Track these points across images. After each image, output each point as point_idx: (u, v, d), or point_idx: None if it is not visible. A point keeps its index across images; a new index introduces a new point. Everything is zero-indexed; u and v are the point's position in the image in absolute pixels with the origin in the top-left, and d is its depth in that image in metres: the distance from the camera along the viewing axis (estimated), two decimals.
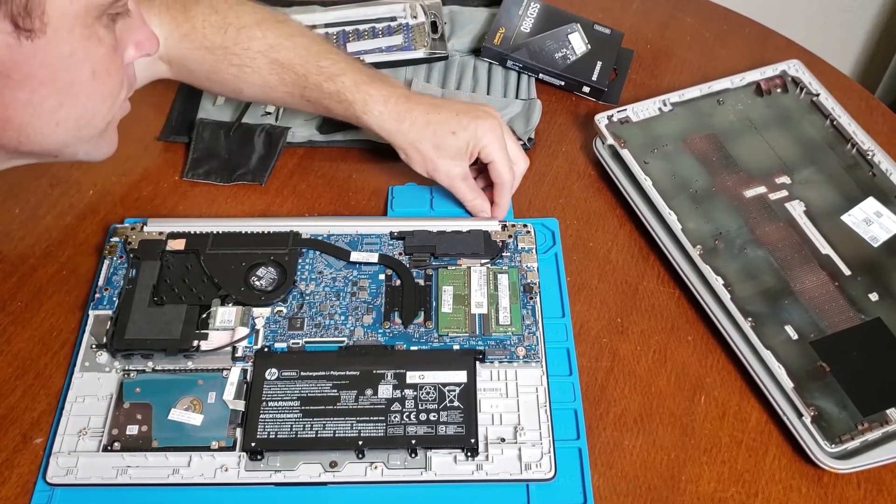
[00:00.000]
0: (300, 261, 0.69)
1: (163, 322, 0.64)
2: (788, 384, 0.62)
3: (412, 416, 0.60)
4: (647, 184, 0.73)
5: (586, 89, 0.84)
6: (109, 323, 0.64)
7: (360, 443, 0.58)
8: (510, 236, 0.71)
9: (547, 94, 0.84)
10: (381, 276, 0.68)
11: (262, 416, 0.59)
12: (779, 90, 0.81)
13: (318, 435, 0.59)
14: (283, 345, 0.64)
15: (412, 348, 0.64)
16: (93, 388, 0.62)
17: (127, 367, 0.63)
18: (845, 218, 0.72)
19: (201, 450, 0.59)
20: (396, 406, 0.60)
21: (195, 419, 0.60)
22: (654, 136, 0.77)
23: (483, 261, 0.69)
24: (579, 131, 0.82)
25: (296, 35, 0.70)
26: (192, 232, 0.70)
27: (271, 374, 0.62)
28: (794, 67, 0.82)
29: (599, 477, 0.60)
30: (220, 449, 0.59)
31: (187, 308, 0.65)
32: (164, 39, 0.67)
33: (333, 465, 0.58)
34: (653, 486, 0.60)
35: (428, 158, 0.69)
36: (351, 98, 0.68)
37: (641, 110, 0.78)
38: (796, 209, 0.72)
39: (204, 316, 0.65)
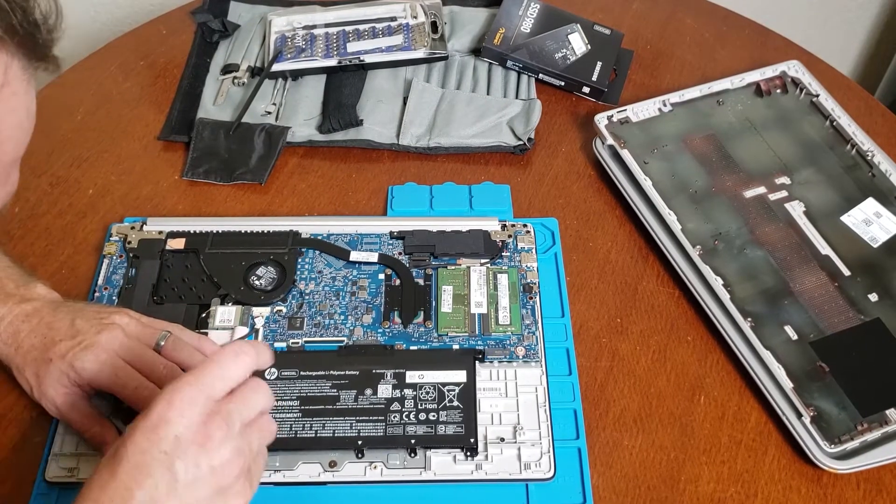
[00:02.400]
0: (300, 260, 0.69)
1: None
2: (788, 384, 0.62)
3: (412, 416, 0.60)
4: (646, 184, 0.73)
5: (586, 89, 0.84)
6: None
7: (360, 442, 0.58)
8: (510, 236, 0.71)
9: (547, 95, 0.84)
10: (381, 276, 0.68)
11: None
12: (778, 91, 0.81)
13: (318, 434, 0.59)
14: (283, 344, 0.64)
15: (412, 348, 0.64)
16: None
17: None
18: (845, 218, 0.72)
19: None
20: (396, 406, 0.60)
21: None
22: (654, 136, 0.77)
23: (483, 260, 0.69)
24: (579, 131, 0.82)
25: None
26: (192, 231, 0.70)
27: (271, 373, 0.61)
28: (794, 68, 0.82)
29: (599, 477, 0.60)
30: None
31: (187, 307, 0.65)
32: None
33: (333, 464, 0.58)
34: (652, 486, 0.60)
35: (34, 386, 0.59)
36: None
37: (641, 111, 0.78)
38: (796, 210, 0.72)
39: (203, 315, 0.65)
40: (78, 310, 0.60)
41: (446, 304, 0.66)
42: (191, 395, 0.45)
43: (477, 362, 0.63)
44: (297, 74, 0.84)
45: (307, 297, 0.67)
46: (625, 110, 0.78)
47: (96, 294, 0.66)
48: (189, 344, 0.59)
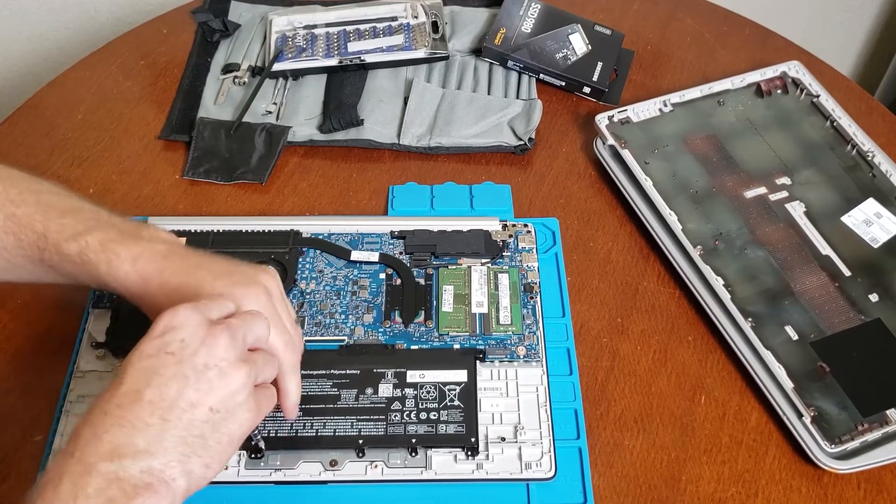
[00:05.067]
0: (301, 260, 0.69)
1: None
2: (788, 384, 0.62)
3: (412, 416, 0.60)
4: (647, 184, 0.73)
5: (587, 90, 0.84)
6: (109, 321, 0.64)
7: (361, 442, 0.58)
8: (511, 236, 0.71)
9: (547, 95, 0.84)
10: (382, 276, 0.68)
11: None
12: (779, 91, 0.81)
13: (319, 434, 0.59)
14: None
15: (413, 347, 0.64)
16: (93, 387, 0.62)
17: None
18: (845, 219, 0.72)
19: None
20: (397, 405, 0.60)
21: None
22: (655, 136, 0.77)
23: (483, 260, 0.69)
24: (580, 132, 0.82)
25: (42, 191, 0.58)
26: (193, 230, 0.70)
27: None
28: (795, 69, 0.82)
29: (599, 476, 0.60)
30: None
31: None
32: None
33: (333, 463, 0.58)
34: (653, 486, 0.60)
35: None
36: (94, 259, 0.55)
37: (642, 111, 0.79)
38: (796, 210, 0.72)
39: None
40: (221, 257, 0.57)
41: (447, 304, 0.66)
42: (195, 307, 0.47)
43: (478, 362, 0.63)
44: (297, 74, 0.84)
45: (308, 297, 0.67)
46: (625, 110, 0.78)
47: (97, 293, 0.66)
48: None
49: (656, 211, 0.72)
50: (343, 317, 0.66)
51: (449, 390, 0.61)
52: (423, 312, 0.66)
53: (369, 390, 0.61)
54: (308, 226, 0.71)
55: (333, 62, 0.84)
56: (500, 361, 0.63)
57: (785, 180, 0.74)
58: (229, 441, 0.47)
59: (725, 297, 0.66)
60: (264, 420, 0.59)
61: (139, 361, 0.45)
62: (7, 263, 0.57)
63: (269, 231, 0.70)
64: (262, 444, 0.58)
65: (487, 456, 0.59)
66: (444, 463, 0.59)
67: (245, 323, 0.49)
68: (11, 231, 0.56)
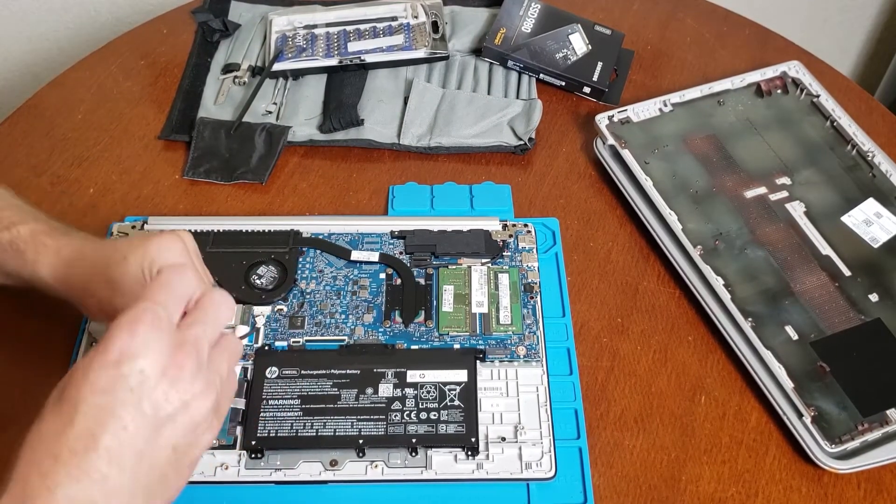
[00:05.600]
0: (301, 260, 0.69)
1: None
2: (788, 384, 0.62)
3: (412, 415, 0.60)
4: (647, 184, 0.73)
5: (587, 90, 0.84)
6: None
7: (361, 441, 0.58)
8: (511, 236, 0.71)
9: (548, 95, 0.84)
10: (382, 276, 0.68)
11: (262, 414, 0.59)
12: (779, 91, 0.81)
13: (319, 433, 0.59)
14: (284, 343, 0.64)
15: (413, 347, 0.64)
16: None
17: None
18: (845, 219, 0.72)
19: None
20: (397, 405, 0.60)
21: None
22: (655, 136, 0.77)
23: (484, 260, 0.69)
24: (580, 131, 0.82)
25: None
26: (193, 230, 0.70)
27: (272, 372, 0.62)
28: (795, 69, 0.82)
29: (600, 476, 0.60)
30: (220, 447, 0.59)
31: None
32: None
33: (334, 463, 0.58)
34: (653, 486, 0.60)
35: (104, 300, 0.53)
36: (23, 248, 0.57)
37: (642, 111, 0.79)
38: (796, 210, 0.72)
39: None
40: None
41: (447, 304, 0.66)
42: (154, 323, 0.40)
43: (478, 362, 0.63)
44: (297, 74, 0.84)
45: (308, 297, 0.67)
46: (625, 110, 0.78)
47: None
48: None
49: (656, 211, 0.72)
50: (343, 317, 0.66)
51: (449, 390, 0.61)
52: (423, 312, 0.66)
53: (369, 390, 0.61)
54: (308, 226, 0.71)
55: (333, 62, 0.84)
56: (501, 361, 0.63)
57: (785, 180, 0.74)
58: (190, 466, 0.43)
59: (725, 296, 0.66)
60: (265, 420, 0.59)
61: (92, 396, 0.39)
62: None
63: (269, 231, 0.70)
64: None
65: (487, 456, 0.59)
66: (445, 463, 0.59)
67: (209, 321, 0.44)
68: None
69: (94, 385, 0.39)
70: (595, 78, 0.83)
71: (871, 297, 0.67)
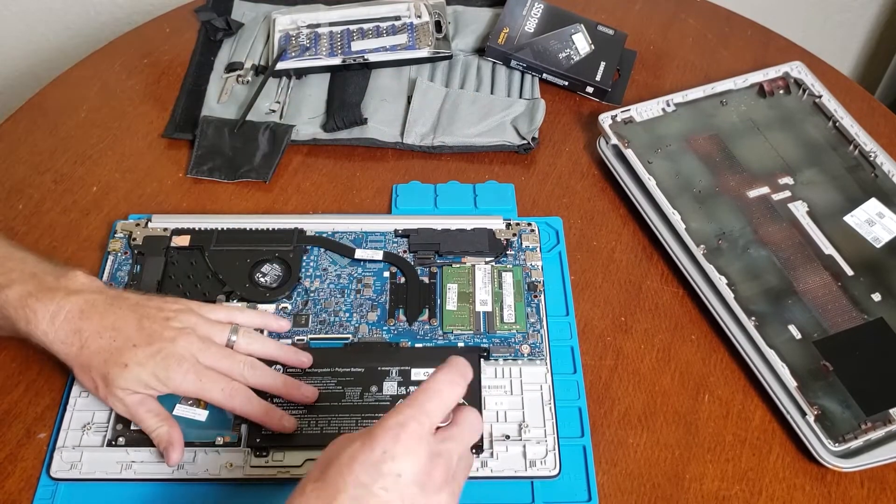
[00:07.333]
0: (305, 258, 0.69)
1: None
2: (792, 383, 0.62)
3: None
4: (650, 183, 0.73)
5: (590, 89, 0.84)
6: None
7: None
8: (514, 235, 0.71)
9: (551, 94, 0.84)
10: (386, 274, 0.68)
11: None
12: (781, 91, 0.81)
13: (324, 431, 0.59)
14: (288, 341, 0.64)
15: (417, 345, 0.64)
16: None
17: None
18: (848, 219, 0.72)
19: (206, 445, 0.59)
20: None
21: (200, 415, 0.60)
22: (658, 136, 0.77)
23: (487, 259, 0.69)
24: (583, 131, 0.82)
25: None
26: (197, 228, 0.70)
27: (277, 369, 0.61)
28: (797, 69, 0.82)
29: (604, 474, 0.60)
30: (225, 445, 0.59)
31: None
32: None
33: None
34: (657, 484, 0.60)
35: (100, 387, 0.58)
36: (14, 315, 0.58)
37: (645, 110, 0.79)
38: (799, 210, 0.72)
39: None
40: (137, 305, 0.60)
41: (451, 302, 0.66)
42: (418, 432, 0.44)
43: (482, 360, 0.63)
44: (301, 73, 0.84)
45: (312, 295, 0.67)
46: (628, 110, 0.78)
47: None
48: (256, 333, 0.61)
49: (659, 210, 0.72)
50: (347, 315, 0.66)
51: None
52: (427, 311, 0.66)
53: (374, 388, 0.61)
54: (312, 224, 0.71)
55: (337, 61, 0.84)
56: (505, 360, 0.64)
57: (788, 180, 0.74)
58: None
59: (729, 296, 0.66)
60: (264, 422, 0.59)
61: (354, 488, 0.43)
62: None
63: (273, 229, 0.70)
64: None
65: (492, 454, 0.59)
66: None
67: (462, 438, 0.47)
68: None
69: (357, 478, 0.43)
70: (598, 78, 0.83)
71: (873, 296, 0.67)
